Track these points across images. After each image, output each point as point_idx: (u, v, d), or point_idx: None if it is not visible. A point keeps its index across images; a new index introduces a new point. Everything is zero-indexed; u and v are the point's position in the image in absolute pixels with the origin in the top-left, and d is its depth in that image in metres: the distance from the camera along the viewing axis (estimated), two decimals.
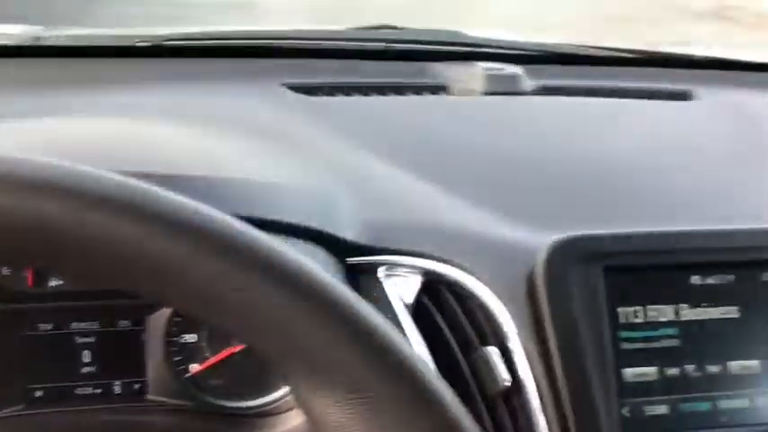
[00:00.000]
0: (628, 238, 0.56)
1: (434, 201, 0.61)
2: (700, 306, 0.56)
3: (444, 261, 0.56)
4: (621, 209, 0.64)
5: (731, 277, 0.56)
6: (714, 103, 0.87)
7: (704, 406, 0.54)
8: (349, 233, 0.56)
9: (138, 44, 0.82)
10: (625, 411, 0.53)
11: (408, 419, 0.30)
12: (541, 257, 0.54)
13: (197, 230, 0.29)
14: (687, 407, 0.54)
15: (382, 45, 0.92)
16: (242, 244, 0.29)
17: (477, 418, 0.53)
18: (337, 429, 0.30)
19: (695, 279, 0.56)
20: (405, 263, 0.56)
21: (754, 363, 0.56)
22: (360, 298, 0.31)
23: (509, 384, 0.53)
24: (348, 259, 0.56)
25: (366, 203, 0.59)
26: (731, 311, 0.56)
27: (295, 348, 0.30)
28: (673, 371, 0.54)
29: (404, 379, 0.30)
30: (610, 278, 0.54)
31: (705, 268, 0.56)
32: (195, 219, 0.29)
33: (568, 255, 0.54)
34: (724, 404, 0.55)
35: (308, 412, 0.31)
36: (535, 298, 0.53)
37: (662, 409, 0.54)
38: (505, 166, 0.68)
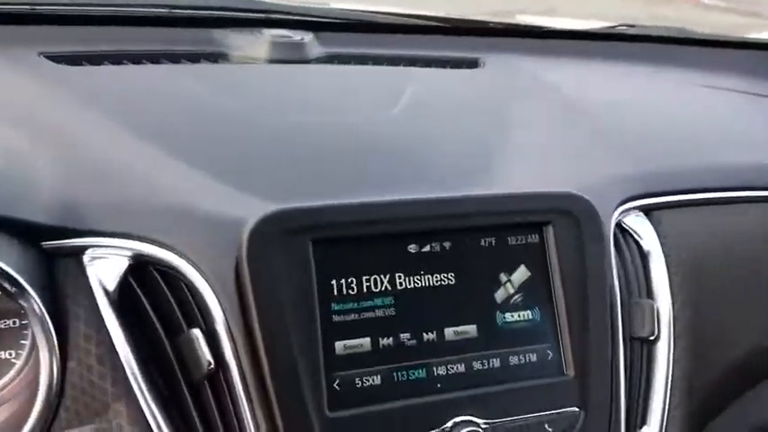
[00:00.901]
0: (337, 209, 0.54)
1: (153, 178, 0.58)
2: (417, 274, 0.55)
3: (152, 241, 0.53)
4: (363, 178, 0.63)
5: (448, 244, 0.56)
6: (499, 70, 0.87)
7: (419, 373, 0.55)
8: (44, 216, 0.53)
9: None
10: (335, 384, 0.52)
11: None
12: (245, 234, 0.52)
13: None
14: (401, 375, 0.54)
15: (165, 11, 0.87)
16: None
17: (182, 404, 0.51)
18: None
19: (412, 247, 0.56)
20: (110, 244, 0.53)
21: (470, 327, 0.56)
22: None
23: (213, 368, 0.51)
24: (45, 243, 0.52)
25: (75, 183, 0.56)
26: (448, 278, 0.56)
27: None
28: (387, 340, 0.54)
29: None
30: (320, 251, 0.53)
31: (422, 236, 0.56)
32: None
33: (273, 229, 0.52)
34: (440, 370, 0.55)
35: None
36: (240, 276, 0.52)
37: (375, 380, 0.53)
38: (253, 137, 0.66)
